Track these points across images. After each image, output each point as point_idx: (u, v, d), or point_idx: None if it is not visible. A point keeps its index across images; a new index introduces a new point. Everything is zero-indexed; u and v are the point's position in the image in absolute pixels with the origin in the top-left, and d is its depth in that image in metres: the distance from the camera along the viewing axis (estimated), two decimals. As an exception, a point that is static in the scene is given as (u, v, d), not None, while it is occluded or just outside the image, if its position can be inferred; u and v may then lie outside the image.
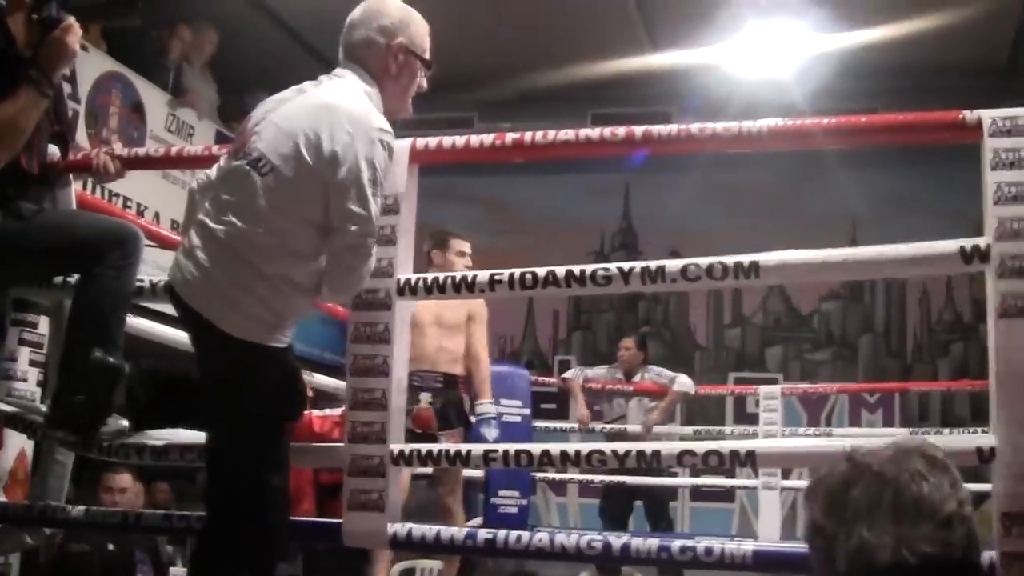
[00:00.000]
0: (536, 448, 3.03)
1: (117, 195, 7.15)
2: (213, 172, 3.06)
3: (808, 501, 1.73)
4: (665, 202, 11.13)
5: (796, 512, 10.19)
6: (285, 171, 2.82)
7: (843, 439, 5.29)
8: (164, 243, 4.69)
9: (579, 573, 8.64)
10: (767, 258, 2.89)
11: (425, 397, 5.60)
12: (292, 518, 3.64)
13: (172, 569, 6.70)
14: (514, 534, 3.01)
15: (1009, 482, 2.56)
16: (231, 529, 2.90)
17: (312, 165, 2.81)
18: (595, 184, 11.33)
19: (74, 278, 3.46)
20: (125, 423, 3.34)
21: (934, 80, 9.49)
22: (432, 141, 3.23)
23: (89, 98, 7.55)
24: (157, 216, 7.87)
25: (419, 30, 3.09)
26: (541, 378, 8.99)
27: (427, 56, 3.10)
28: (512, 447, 3.06)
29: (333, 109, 2.85)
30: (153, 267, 3.65)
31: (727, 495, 10.39)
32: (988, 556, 2.45)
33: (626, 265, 3.01)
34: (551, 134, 3.13)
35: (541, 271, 3.06)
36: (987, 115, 2.77)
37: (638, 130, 3.04)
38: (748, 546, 2.82)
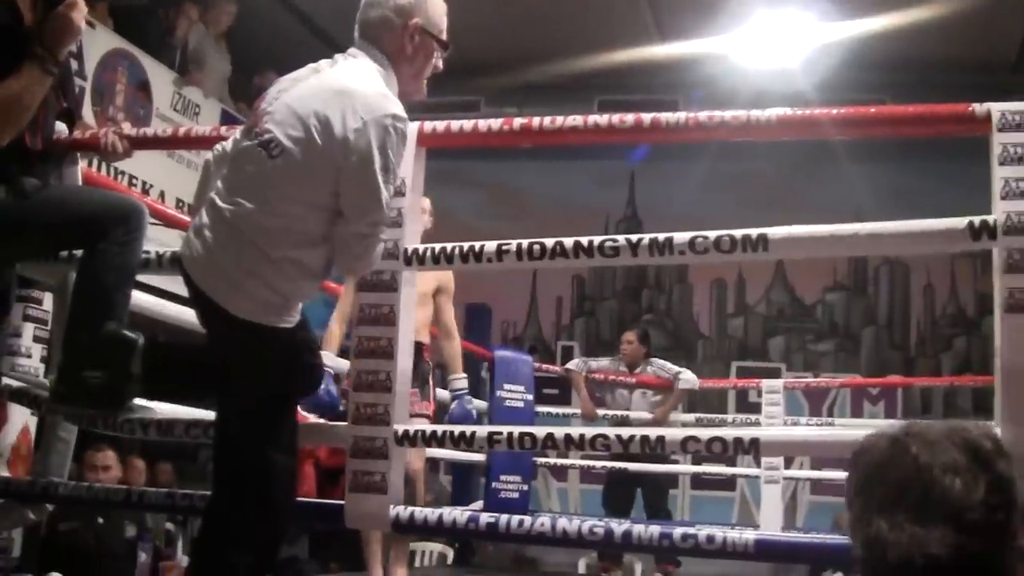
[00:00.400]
0: (540, 431, 3.02)
1: (123, 173, 7.15)
2: (229, 145, 3.05)
3: (849, 468, 1.71)
4: (670, 191, 11.11)
5: (797, 502, 10.24)
6: (295, 154, 2.80)
7: (846, 429, 5.30)
8: (169, 222, 4.69)
9: (580, 559, 8.68)
10: (775, 231, 2.90)
11: None
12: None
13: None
14: (516, 518, 3.02)
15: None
16: (236, 509, 2.89)
17: (323, 149, 2.78)
18: (601, 172, 11.33)
19: (78, 254, 3.46)
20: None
21: (942, 73, 9.46)
22: (440, 125, 3.23)
23: (95, 75, 7.53)
24: (163, 195, 7.86)
25: (436, 10, 3.05)
26: (544, 364, 8.99)
27: (444, 37, 3.07)
28: (516, 429, 3.06)
29: (347, 93, 2.82)
30: (158, 246, 3.64)
31: (728, 483, 10.41)
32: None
33: (634, 237, 3.01)
34: (559, 120, 3.13)
35: (549, 241, 3.07)
36: (996, 108, 2.76)
37: (646, 117, 3.04)
38: (750, 535, 2.83)
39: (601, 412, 8.32)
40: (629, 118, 3.06)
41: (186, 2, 8.89)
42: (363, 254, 2.92)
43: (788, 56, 9.80)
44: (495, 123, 3.24)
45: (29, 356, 4.99)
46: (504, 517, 3.04)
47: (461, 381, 5.61)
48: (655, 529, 2.92)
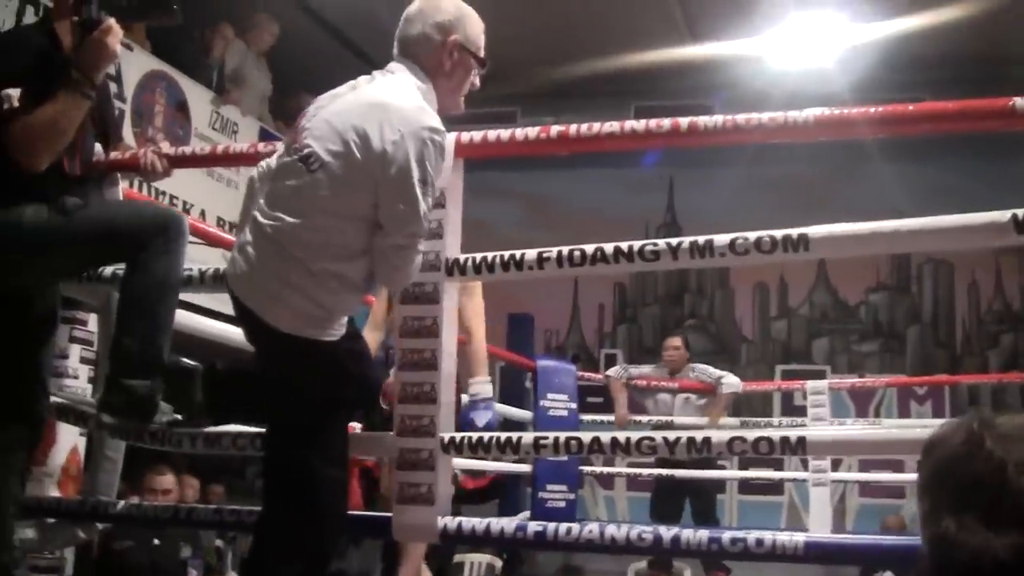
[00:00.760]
0: (586, 436, 3.02)
1: (164, 193, 7.20)
2: (273, 161, 3.07)
3: (920, 461, 1.67)
4: (709, 196, 11.07)
5: (845, 504, 10.17)
6: (334, 168, 2.81)
7: (894, 429, 5.26)
8: (211, 240, 4.71)
9: (629, 567, 8.65)
10: (816, 230, 2.88)
11: None
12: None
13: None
14: (564, 526, 3.00)
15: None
16: (285, 522, 2.91)
17: (361, 163, 2.79)
18: (638, 179, 11.31)
19: (120, 274, 3.49)
20: (174, 413, 3.38)
21: (975, 70, 9.38)
22: (477, 135, 3.23)
23: (134, 97, 7.60)
24: (203, 213, 7.91)
25: (474, 27, 3.06)
26: (587, 372, 8.98)
27: (481, 54, 3.08)
28: (562, 435, 3.05)
29: (384, 107, 2.83)
30: (200, 264, 3.66)
31: (775, 488, 10.35)
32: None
33: (674, 240, 3.01)
34: (596, 126, 3.12)
35: (589, 248, 3.06)
36: (1037, 102, 2.73)
37: (683, 121, 3.03)
38: (800, 537, 2.80)
39: (644, 418, 8.31)
40: (666, 123, 3.05)
41: (222, 22, 8.96)
42: (401, 266, 2.92)
43: (821, 57, 9.77)
44: (532, 132, 3.23)
45: (76, 377, 5.05)
46: (552, 525, 3.03)
47: (479, 386, 4.79)
48: (703, 534, 2.90)
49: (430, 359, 3.10)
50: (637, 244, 3.03)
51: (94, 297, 3.91)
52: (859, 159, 9.66)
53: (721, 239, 2.96)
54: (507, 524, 3.14)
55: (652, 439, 2.95)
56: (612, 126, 3.11)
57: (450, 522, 3.06)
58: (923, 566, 1.60)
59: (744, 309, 11.51)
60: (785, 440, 2.82)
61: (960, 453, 1.59)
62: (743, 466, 9.36)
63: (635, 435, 2.98)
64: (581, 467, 8.18)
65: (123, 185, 3.99)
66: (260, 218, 2.91)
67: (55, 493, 4.53)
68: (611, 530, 2.97)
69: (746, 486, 10.30)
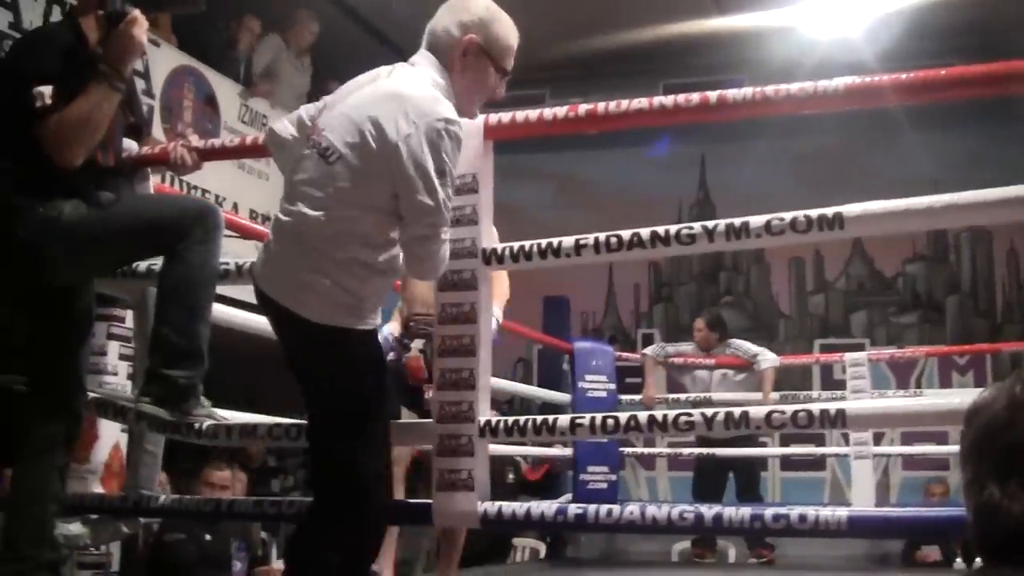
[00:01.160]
0: (623, 415, 3.01)
1: (195, 187, 7.22)
2: (292, 131, 3.15)
3: (963, 428, 1.64)
4: (742, 172, 11.02)
5: (888, 478, 10.11)
6: (352, 159, 2.81)
7: (935, 398, 5.20)
8: (245, 233, 4.72)
9: (673, 547, 8.64)
10: (850, 209, 2.86)
11: (416, 344, 4.89)
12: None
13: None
14: (604, 508, 2.99)
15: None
16: (327, 514, 2.92)
17: (377, 153, 2.79)
18: (669, 156, 11.24)
19: (156, 270, 3.50)
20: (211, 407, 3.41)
21: (1005, 37, 9.26)
22: (505, 116, 3.22)
23: (163, 93, 7.62)
24: (236, 206, 7.93)
25: (501, 33, 3.02)
26: (624, 353, 8.96)
27: (505, 63, 3.04)
28: (598, 415, 3.04)
29: (400, 98, 2.83)
30: (235, 258, 3.67)
31: (817, 464, 10.30)
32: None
33: (710, 223, 2.99)
34: (624, 103, 3.10)
35: (625, 234, 3.07)
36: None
37: (712, 95, 3.01)
38: (843, 511, 2.77)
39: (682, 396, 8.29)
40: (695, 97, 3.03)
41: (247, 14, 8.96)
42: (425, 256, 2.90)
43: (849, 27, 9.68)
44: (560, 111, 3.22)
45: (115, 374, 5.07)
46: (592, 507, 3.02)
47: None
48: (745, 511, 2.88)
49: (468, 345, 3.11)
50: (673, 228, 3.04)
51: (130, 293, 3.93)
52: (890, 129, 9.56)
53: (756, 220, 2.95)
54: (547, 508, 3.13)
55: (690, 416, 2.93)
56: (641, 102, 3.09)
57: (490, 507, 3.06)
58: (969, 536, 1.58)
59: (780, 284, 11.44)
60: (824, 413, 2.79)
61: (1002, 418, 1.55)
62: (784, 443, 9.31)
63: (672, 412, 2.97)
64: (622, 448, 8.17)
65: (154, 180, 4.00)
66: (281, 213, 2.92)
67: (99, 490, 4.54)
68: (652, 510, 2.95)
69: (788, 463, 10.24)
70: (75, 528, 3.79)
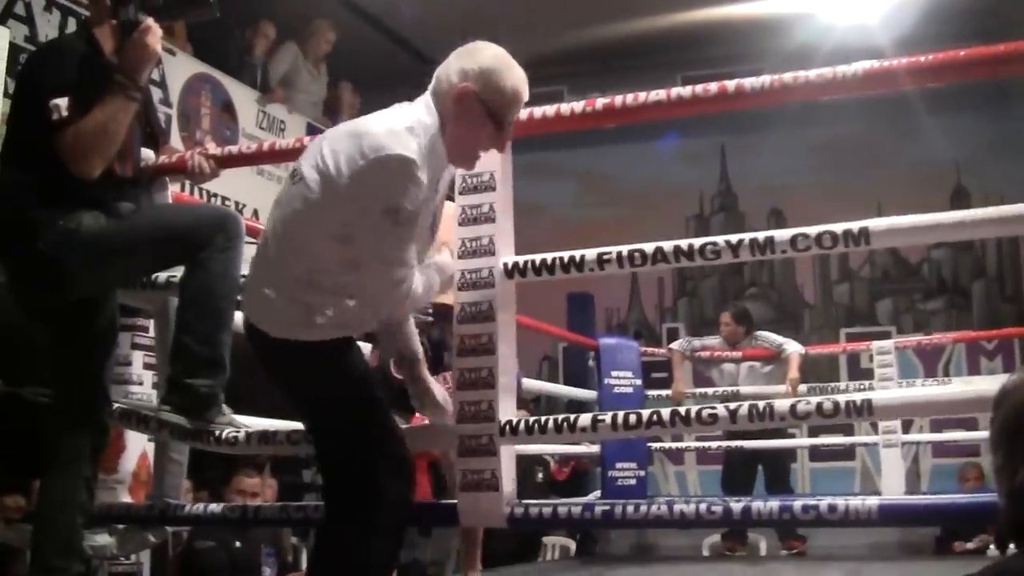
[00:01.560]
0: (645, 411, 2.99)
1: (215, 195, 7.23)
2: None
3: (993, 411, 1.62)
4: (762, 161, 11.00)
5: (919, 466, 10.05)
6: (310, 184, 2.84)
7: (962, 385, 5.17)
8: (264, 238, 4.70)
9: (703, 541, 8.61)
10: (876, 224, 2.83)
11: None
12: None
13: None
14: (632, 504, 2.97)
15: None
16: (338, 519, 2.95)
17: (329, 184, 2.81)
18: (689, 148, 11.22)
19: (176, 280, 3.50)
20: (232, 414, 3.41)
21: (1020, 22, 9.19)
22: (523, 113, 3.19)
23: (180, 101, 7.64)
24: (256, 213, 7.94)
25: (502, 85, 2.91)
26: (649, 348, 8.93)
27: (502, 115, 2.94)
28: (621, 412, 3.02)
29: (359, 134, 2.82)
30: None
31: (847, 453, 10.24)
32: None
33: (734, 238, 2.96)
34: (642, 96, 3.08)
35: (649, 248, 3.04)
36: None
37: (730, 84, 2.98)
38: (873, 501, 2.74)
39: (709, 390, 8.26)
40: (712, 87, 3.00)
41: (262, 20, 8.98)
42: (381, 292, 2.92)
43: (866, 12, 9.64)
44: (578, 106, 3.20)
45: (140, 383, 5.07)
46: (620, 504, 3.00)
47: None
48: (774, 503, 2.86)
49: (487, 344, 3.08)
50: (698, 243, 3.03)
51: (151, 303, 3.93)
52: (909, 115, 9.50)
53: (782, 236, 2.95)
54: (575, 506, 3.11)
55: (713, 409, 2.90)
56: (659, 94, 3.07)
57: (517, 506, 3.04)
58: (1002, 521, 1.55)
59: (805, 274, 11.38)
60: (851, 403, 2.77)
61: None
62: (812, 433, 9.25)
63: (695, 407, 2.94)
64: (650, 444, 8.15)
65: (173, 188, 4.00)
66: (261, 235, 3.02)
67: (127, 499, 4.54)
68: (680, 506, 2.94)
69: (817, 453, 10.18)
70: (102, 538, 3.79)
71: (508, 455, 3.09)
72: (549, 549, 8.28)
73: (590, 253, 3.12)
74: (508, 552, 7.77)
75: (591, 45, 10.66)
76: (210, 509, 3.73)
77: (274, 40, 9.17)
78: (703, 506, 2.90)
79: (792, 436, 8.73)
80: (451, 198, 3.22)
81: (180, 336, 3.36)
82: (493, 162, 3.12)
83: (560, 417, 3.09)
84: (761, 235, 2.95)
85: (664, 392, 8.22)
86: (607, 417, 3.03)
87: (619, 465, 7.22)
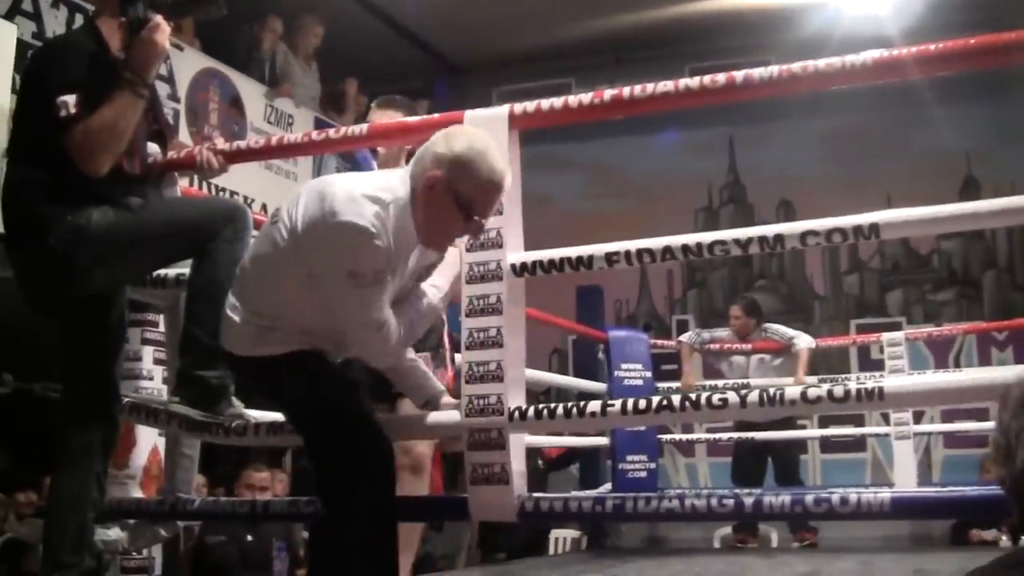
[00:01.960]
0: (654, 397, 2.99)
1: (223, 189, 7.23)
2: None
3: (999, 405, 1.62)
4: (771, 153, 10.99)
5: (930, 457, 10.02)
6: (281, 230, 2.91)
7: (974, 373, 5.14)
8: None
9: (715, 533, 8.61)
10: (885, 217, 2.82)
11: None
12: (419, 495, 3.65)
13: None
14: (643, 498, 2.97)
15: None
16: (328, 517, 3.01)
17: (290, 235, 2.88)
18: (697, 140, 11.21)
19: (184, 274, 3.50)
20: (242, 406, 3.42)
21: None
22: (530, 105, 3.20)
23: (188, 97, 7.64)
24: (264, 207, 7.93)
25: (474, 175, 2.87)
26: (659, 340, 8.92)
27: (471, 207, 2.90)
28: (630, 399, 3.01)
29: (323, 196, 2.84)
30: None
31: (858, 445, 10.21)
32: None
33: (743, 234, 2.95)
34: (650, 87, 3.07)
35: (657, 245, 3.04)
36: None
37: (738, 75, 2.97)
38: (885, 493, 2.74)
39: (720, 383, 8.25)
40: (720, 78, 2.99)
41: (269, 15, 8.98)
42: (366, 344, 2.98)
43: (876, 2, 9.62)
44: (586, 98, 3.19)
45: (151, 379, 5.07)
46: (631, 497, 3.00)
47: None
48: (786, 496, 2.85)
49: (495, 337, 3.08)
50: (707, 239, 3.02)
51: (162, 298, 3.93)
52: (918, 104, 9.47)
53: (791, 231, 2.94)
54: (585, 500, 3.11)
55: (724, 396, 2.89)
56: (667, 85, 3.06)
57: (528, 499, 3.04)
58: (1014, 514, 1.56)
59: (814, 266, 11.35)
60: (862, 390, 2.75)
61: None
62: (823, 424, 9.24)
63: (705, 393, 2.94)
64: (660, 436, 8.14)
65: (182, 183, 4.00)
66: None
67: (138, 494, 4.55)
68: (691, 498, 2.93)
69: (828, 445, 10.17)
70: (113, 533, 3.80)
71: (518, 447, 3.08)
72: (558, 542, 8.28)
73: (598, 250, 3.12)
74: (518, 547, 7.80)
75: (599, 37, 10.66)
76: (220, 504, 3.74)
77: (281, 34, 9.17)
78: (714, 499, 2.90)
79: (803, 428, 8.72)
80: None
81: (189, 328, 3.36)
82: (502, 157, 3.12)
83: (570, 404, 3.08)
84: (771, 231, 2.95)
85: (674, 384, 8.21)
86: (616, 403, 3.02)
87: (630, 457, 7.20)
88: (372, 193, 2.82)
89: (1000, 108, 10.11)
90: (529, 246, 3.21)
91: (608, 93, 3.16)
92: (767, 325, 8.37)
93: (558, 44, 10.69)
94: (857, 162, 10.39)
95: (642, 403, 2.96)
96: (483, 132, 3.00)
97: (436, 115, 3.45)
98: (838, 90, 3.13)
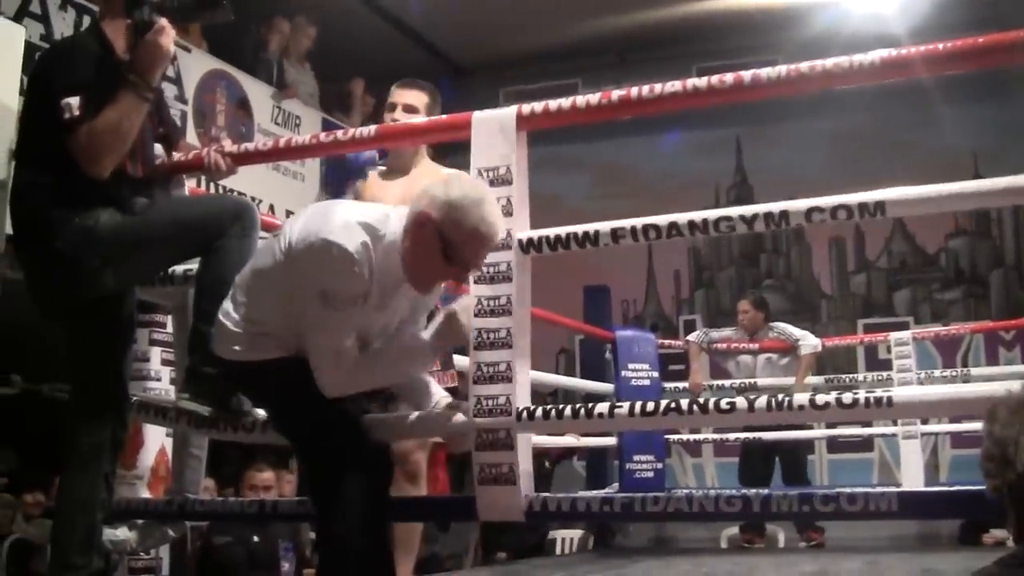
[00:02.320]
0: (663, 400, 2.98)
1: (231, 190, 7.23)
2: None
3: (986, 421, 1.63)
4: (778, 153, 10.98)
5: (937, 457, 10.01)
6: (281, 244, 2.99)
7: (984, 384, 5.13)
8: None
9: (722, 533, 8.59)
10: (891, 195, 2.81)
11: None
12: (427, 496, 3.65)
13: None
14: (651, 496, 2.97)
15: None
16: (320, 514, 3.07)
17: (288, 252, 2.95)
18: (705, 140, 11.21)
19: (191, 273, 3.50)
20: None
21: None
22: (538, 106, 3.20)
23: (195, 98, 7.65)
24: (272, 208, 7.95)
25: (464, 222, 2.90)
26: (666, 340, 8.91)
27: (457, 253, 2.94)
28: (638, 401, 3.01)
29: (323, 215, 2.95)
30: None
31: (865, 445, 10.20)
32: None
33: (748, 212, 2.95)
34: (657, 87, 3.07)
35: (663, 221, 3.04)
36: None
37: (746, 75, 2.96)
38: (892, 491, 2.74)
39: (727, 382, 8.25)
40: (728, 78, 2.98)
41: (276, 16, 8.99)
42: (318, 367, 2.99)
43: (883, 1, 9.61)
44: (593, 98, 3.19)
45: (159, 379, 5.08)
46: (639, 496, 3.00)
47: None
48: (794, 495, 2.85)
49: (504, 338, 3.08)
50: (713, 215, 3.02)
51: (170, 298, 3.93)
52: (926, 104, 9.45)
53: (797, 209, 2.92)
54: (593, 498, 3.11)
55: (732, 400, 2.89)
56: (674, 85, 3.06)
57: (535, 499, 3.04)
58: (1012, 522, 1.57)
59: (821, 265, 11.35)
60: (870, 399, 2.74)
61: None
62: (830, 424, 9.23)
63: (713, 398, 2.93)
64: (667, 436, 8.13)
65: (190, 184, 4.00)
66: None
67: (146, 495, 4.55)
68: (698, 497, 2.93)
69: (835, 444, 10.15)
70: (121, 533, 3.81)
71: (525, 447, 3.08)
72: (565, 542, 8.27)
73: (604, 227, 3.12)
74: (517, 546, 7.80)
75: (606, 37, 10.66)
76: (228, 504, 3.74)
77: (288, 38, 9.18)
78: (722, 497, 2.90)
79: (810, 428, 8.71)
80: None
81: (198, 325, 3.36)
82: (508, 156, 3.12)
83: (578, 405, 3.09)
84: (776, 208, 2.93)
85: (681, 384, 8.21)
86: (624, 406, 3.02)
87: (637, 457, 7.20)
88: (368, 223, 2.91)
89: (1007, 108, 10.09)
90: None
91: (616, 93, 3.16)
92: (774, 324, 8.37)
93: (564, 44, 10.69)
94: (865, 162, 10.37)
95: (650, 406, 2.97)
96: (485, 185, 3.06)
97: (443, 116, 3.45)
98: (845, 90, 3.14)
